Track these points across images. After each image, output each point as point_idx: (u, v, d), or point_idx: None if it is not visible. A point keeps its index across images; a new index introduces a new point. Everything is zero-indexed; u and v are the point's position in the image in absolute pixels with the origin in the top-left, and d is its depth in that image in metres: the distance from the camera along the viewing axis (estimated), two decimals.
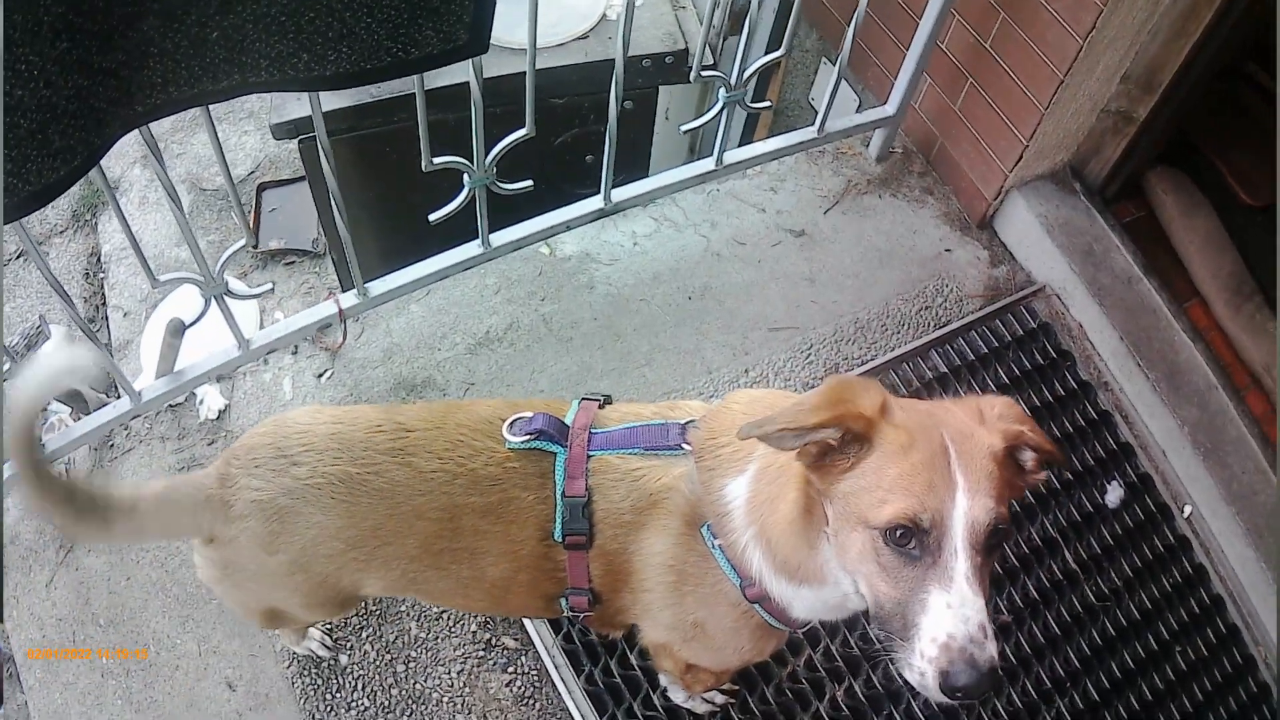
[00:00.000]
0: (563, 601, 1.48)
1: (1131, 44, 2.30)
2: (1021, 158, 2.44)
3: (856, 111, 2.68)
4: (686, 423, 1.39)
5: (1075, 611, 2.27)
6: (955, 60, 2.49)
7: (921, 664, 1.05)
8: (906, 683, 1.10)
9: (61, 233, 3.08)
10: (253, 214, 2.91)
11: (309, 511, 1.37)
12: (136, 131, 1.49)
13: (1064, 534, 2.33)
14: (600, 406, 1.48)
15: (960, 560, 1.06)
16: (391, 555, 1.42)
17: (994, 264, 2.56)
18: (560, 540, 1.38)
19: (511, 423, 1.41)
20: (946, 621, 1.04)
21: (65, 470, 2.35)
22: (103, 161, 1.46)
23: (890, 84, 2.55)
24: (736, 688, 2.03)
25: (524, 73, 1.88)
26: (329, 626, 2.08)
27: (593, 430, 1.41)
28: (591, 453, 1.39)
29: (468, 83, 1.80)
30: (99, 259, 2.99)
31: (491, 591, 1.47)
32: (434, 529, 1.39)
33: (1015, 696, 2.17)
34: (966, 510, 1.06)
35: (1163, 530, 2.42)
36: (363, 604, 2.09)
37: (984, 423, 1.15)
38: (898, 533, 1.08)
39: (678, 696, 1.99)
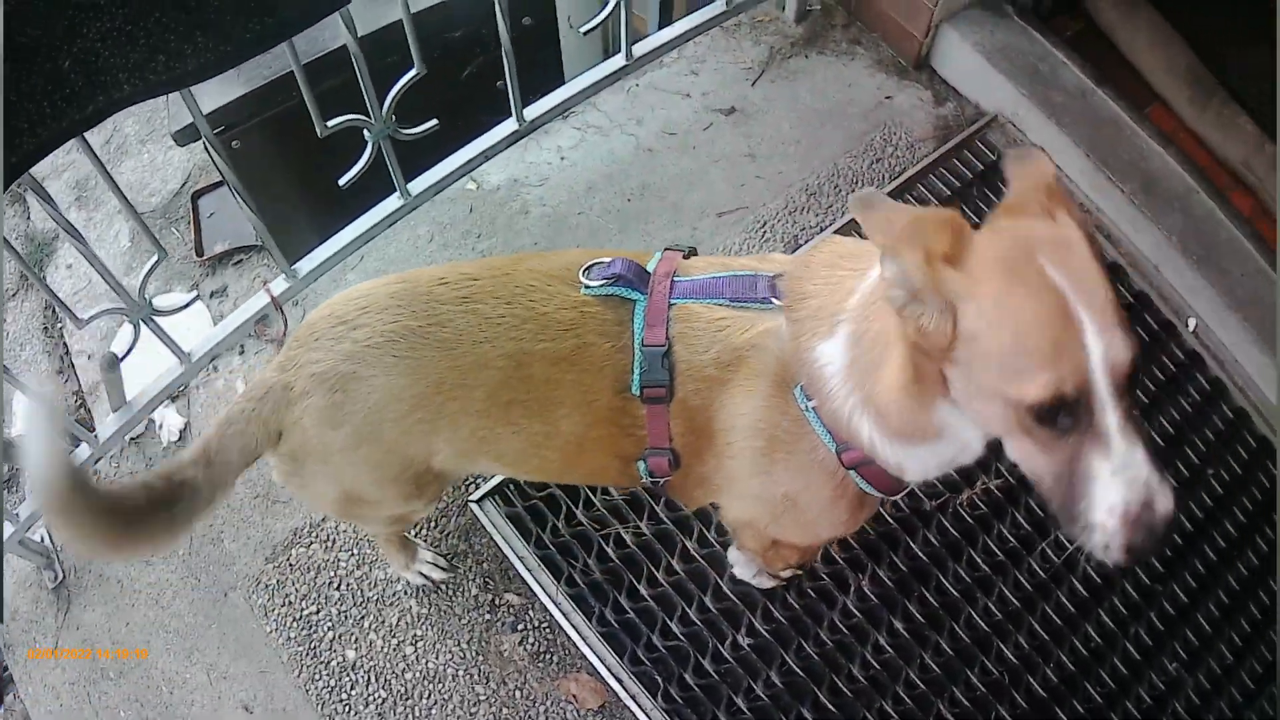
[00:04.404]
0: (641, 465, 1.39)
1: None
2: None
3: None
4: (775, 275, 1.27)
5: None
6: None
7: (1102, 538, 0.98)
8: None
9: (13, 296, 2.98)
10: (192, 223, 2.82)
11: (370, 374, 1.29)
12: (66, 172, 1.49)
13: None
14: (685, 257, 1.37)
15: (1111, 415, 0.94)
16: (457, 411, 1.33)
17: (939, 103, 2.43)
18: (638, 393, 1.28)
19: (589, 267, 1.31)
20: (1116, 489, 0.96)
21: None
22: (36, 207, 1.40)
23: None
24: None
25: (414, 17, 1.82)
26: (437, 545, 2.00)
27: (676, 278, 1.31)
28: (674, 300, 1.28)
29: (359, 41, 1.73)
30: (54, 311, 2.88)
31: (565, 449, 1.38)
32: (499, 378, 1.30)
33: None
34: (1104, 354, 0.92)
35: (1169, 348, 2.28)
36: (442, 498, 1.97)
37: (1055, 215, 0.99)
38: (1044, 409, 0.95)
39: (745, 573, 1.89)
